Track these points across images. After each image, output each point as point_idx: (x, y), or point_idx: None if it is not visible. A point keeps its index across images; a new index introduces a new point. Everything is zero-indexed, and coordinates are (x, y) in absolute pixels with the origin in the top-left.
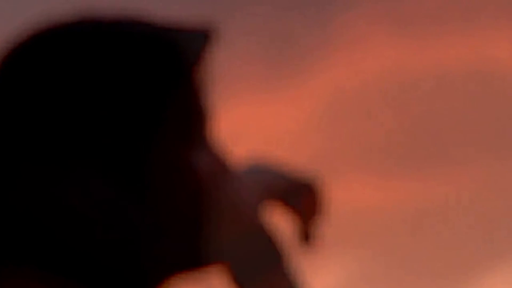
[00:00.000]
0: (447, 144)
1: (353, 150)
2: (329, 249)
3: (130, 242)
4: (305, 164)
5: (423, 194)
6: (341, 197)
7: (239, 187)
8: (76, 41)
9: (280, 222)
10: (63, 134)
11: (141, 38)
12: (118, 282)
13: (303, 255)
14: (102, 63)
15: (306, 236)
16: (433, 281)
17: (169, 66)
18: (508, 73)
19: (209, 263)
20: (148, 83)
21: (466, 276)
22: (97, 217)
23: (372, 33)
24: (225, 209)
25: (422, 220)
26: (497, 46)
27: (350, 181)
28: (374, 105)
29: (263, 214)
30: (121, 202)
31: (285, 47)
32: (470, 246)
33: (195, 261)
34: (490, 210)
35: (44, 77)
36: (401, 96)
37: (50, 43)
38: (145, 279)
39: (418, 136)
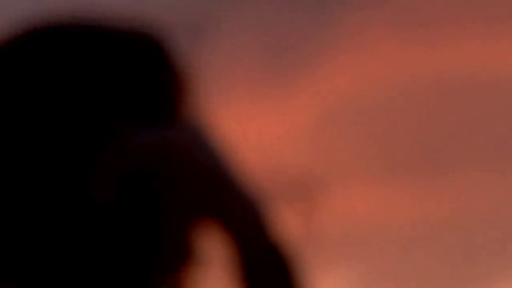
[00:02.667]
0: (452, 152)
1: (355, 155)
2: (328, 258)
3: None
4: (305, 166)
5: (427, 203)
6: (340, 203)
7: (236, 181)
8: (71, 35)
9: (279, 222)
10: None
11: (128, 33)
12: (117, 281)
13: (303, 258)
14: (90, 58)
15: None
16: None
17: (153, 60)
18: None
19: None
20: (133, 75)
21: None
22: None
23: (377, 37)
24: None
25: (424, 228)
26: (506, 48)
27: (351, 187)
28: (378, 110)
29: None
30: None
31: (287, 50)
32: (473, 257)
33: (186, 258)
34: (495, 219)
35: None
36: (406, 102)
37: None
38: (143, 279)
39: (423, 143)
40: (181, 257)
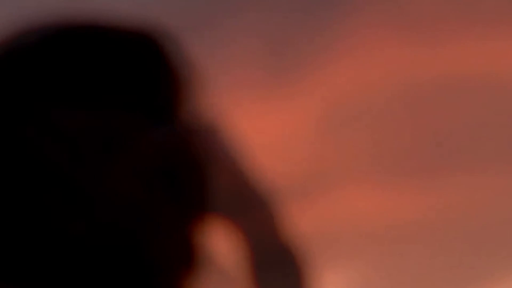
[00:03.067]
0: (452, 152)
1: (355, 155)
2: (328, 258)
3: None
4: (306, 166)
5: (427, 203)
6: (340, 203)
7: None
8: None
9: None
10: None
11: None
12: (118, 281)
13: (304, 258)
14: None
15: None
16: None
17: (153, 60)
18: None
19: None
20: (129, 71)
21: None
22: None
23: (375, 38)
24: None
25: (424, 228)
26: (505, 51)
27: (351, 187)
28: (378, 110)
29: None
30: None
31: (288, 50)
32: (473, 257)
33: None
34: (495, 219)
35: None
36: (406, 102)
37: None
38: (146, 278)
39: (423, 143)
40: (185, 256)
